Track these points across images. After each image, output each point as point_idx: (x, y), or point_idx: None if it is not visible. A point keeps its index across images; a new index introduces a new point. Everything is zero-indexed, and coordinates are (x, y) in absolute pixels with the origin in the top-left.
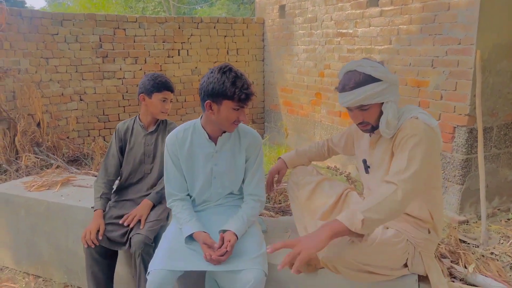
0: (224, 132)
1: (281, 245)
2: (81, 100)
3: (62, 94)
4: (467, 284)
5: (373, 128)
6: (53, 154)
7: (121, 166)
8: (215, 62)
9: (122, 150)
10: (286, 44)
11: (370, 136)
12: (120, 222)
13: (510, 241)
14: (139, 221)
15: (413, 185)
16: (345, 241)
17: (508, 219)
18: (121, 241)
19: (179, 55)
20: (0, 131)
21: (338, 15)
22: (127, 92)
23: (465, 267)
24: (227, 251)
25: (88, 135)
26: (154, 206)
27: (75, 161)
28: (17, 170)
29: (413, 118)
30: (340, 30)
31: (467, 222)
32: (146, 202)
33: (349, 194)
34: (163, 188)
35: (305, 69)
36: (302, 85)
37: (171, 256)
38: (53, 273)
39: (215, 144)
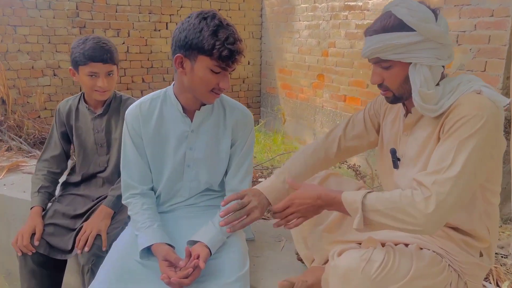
0: (204, 104)
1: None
2: (54, 75)
3: (33, 68)
4: None
5: (396, 99)
6: (16, 135)
7: (67, 156)
8: None
9: (67, 137)
10: (286, 20)
11: (405, 115)
12: (76, 247)
13: None
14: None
15: (455, 191)
16: (362, 276)
17: None
18: (65, 249)
19: (167, 29)
20: None
21: None
22: None
23: (497, 285)
24: (193, 270)
25: None
26: (115, 214)
27: (42, 143)
28: None
29: (474, 93)
30: (348, 3)
31: None
32: (105, 210)
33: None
34: None
35: (306, 48)
36: (303, 65)
37: (118, 277)
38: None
39: (191, 120)
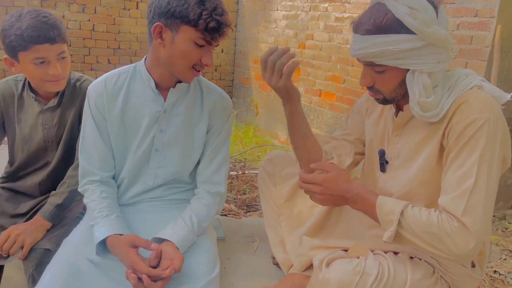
0: (179, 82)
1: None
2: None
3: None
4: None
5: (386, 101)
6: None
7: None
8: None
9: (1, 126)
10: (263, 8)
11: (395, 115)
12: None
13: None
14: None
15: (486, 211)
16: None
17: (506, 229)
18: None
19: (137, 8)
20: None
21: None
22: (70, 45)
23: None
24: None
25: None
26: (52, 226)
27: None
28: None
29: (475, 89)
30: None
31: None
32: (40, 222)
33: None
34: (72, 191)
35: (283, 39)
36: None
37: (65, 280)
38: None
39: (164, 99)
